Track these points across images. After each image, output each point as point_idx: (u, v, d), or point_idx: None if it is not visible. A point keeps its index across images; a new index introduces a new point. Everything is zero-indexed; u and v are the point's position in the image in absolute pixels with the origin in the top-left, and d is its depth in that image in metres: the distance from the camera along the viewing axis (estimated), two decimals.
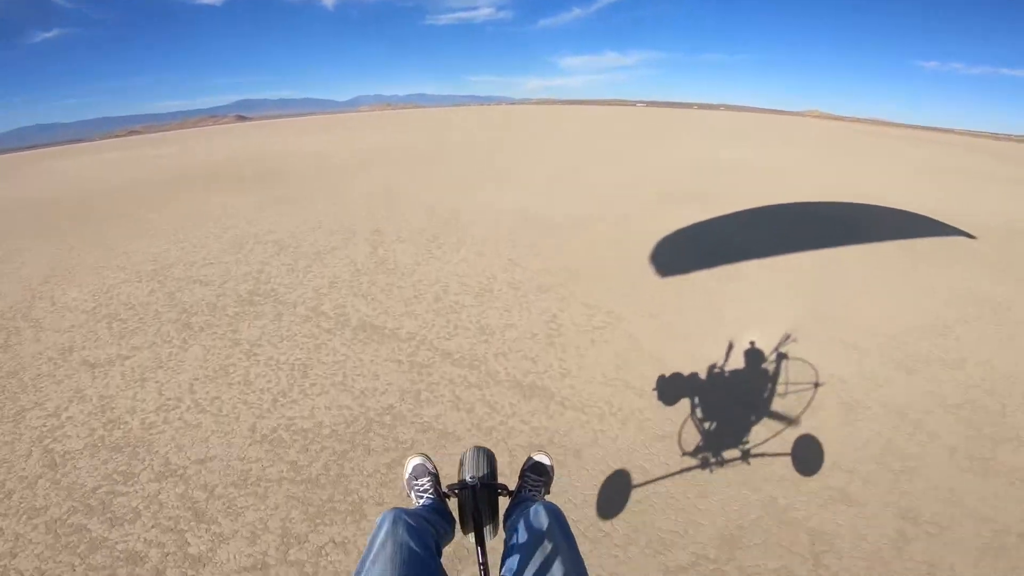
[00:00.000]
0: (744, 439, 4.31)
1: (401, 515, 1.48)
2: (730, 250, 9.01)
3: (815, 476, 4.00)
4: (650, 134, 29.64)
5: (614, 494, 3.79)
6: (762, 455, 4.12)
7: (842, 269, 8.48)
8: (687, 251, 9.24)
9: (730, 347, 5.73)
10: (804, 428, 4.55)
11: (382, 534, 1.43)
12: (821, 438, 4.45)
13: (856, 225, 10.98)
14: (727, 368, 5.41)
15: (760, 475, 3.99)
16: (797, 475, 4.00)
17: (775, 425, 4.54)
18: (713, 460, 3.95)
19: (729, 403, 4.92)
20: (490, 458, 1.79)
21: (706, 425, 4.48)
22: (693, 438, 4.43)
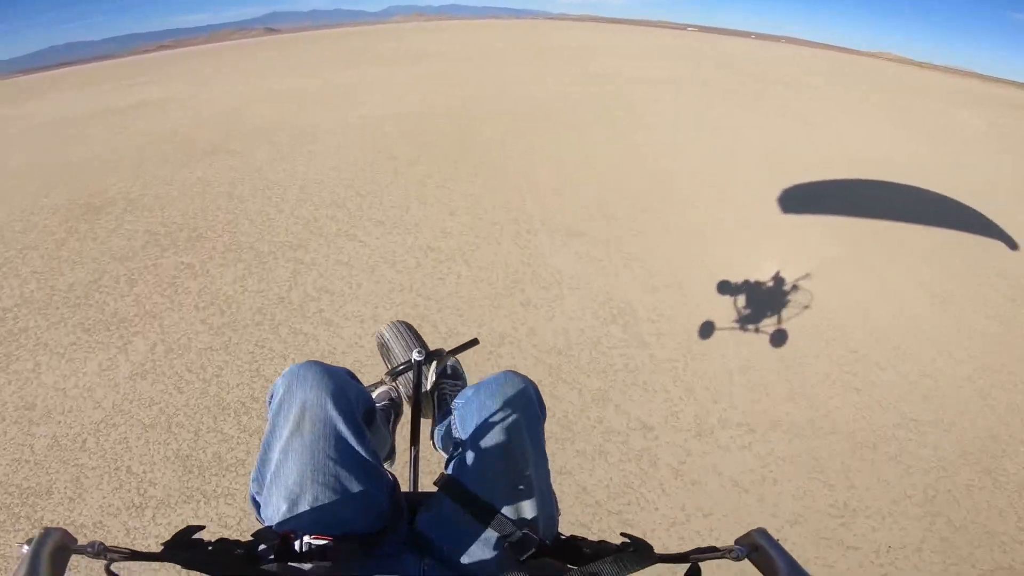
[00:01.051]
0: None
1: (312, 367, 1.08)
2: None
3: None
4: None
5: None
6: None
7: None
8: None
9: None
10: None
11: (284, 394, 1.07)
12: None
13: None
14: None
15: None
16: None
17: None
18: None
19: None
20: (413, 330, 1.67)
21: None
22: None
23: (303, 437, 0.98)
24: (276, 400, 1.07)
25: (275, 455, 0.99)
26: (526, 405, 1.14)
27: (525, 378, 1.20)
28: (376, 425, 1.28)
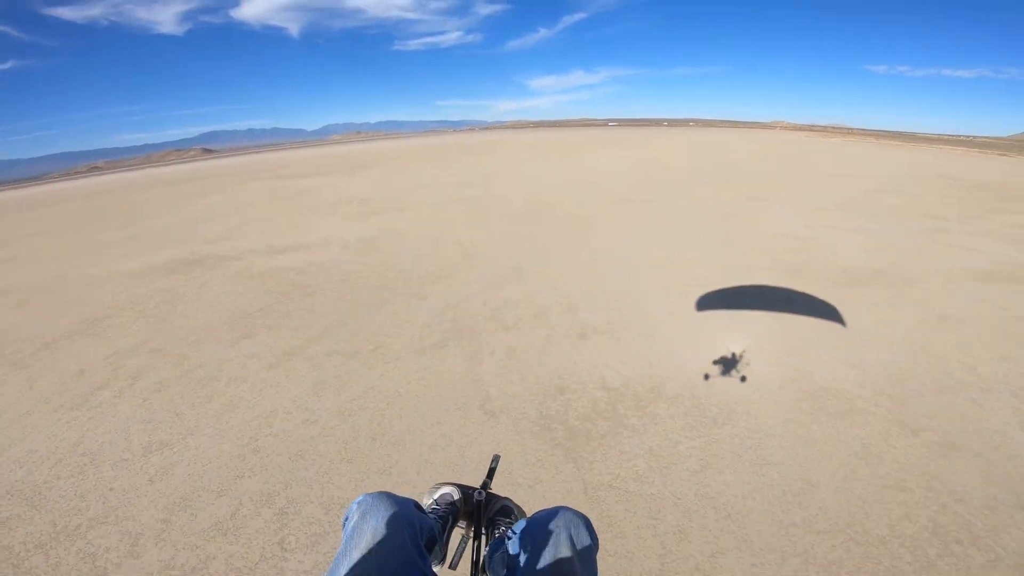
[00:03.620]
0: None
1: (383, 499, 1.26)
2: None
3: None
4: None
5: None
6: None
7: None
8: None
9: None
10: None
11: (358, 520, 1.24)
12: None
13: None
14: None
15: None
16: None
17: None
18: None
19: None
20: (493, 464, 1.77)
21: None
22: None
23: (370, 561, 1.12)
24: (350, 524, 1.23)
25: (342, 571, 1.12)
26: (580, 538, 1.25)
27: (579, 512, 1.33)
28: (436, 549, 1.45)
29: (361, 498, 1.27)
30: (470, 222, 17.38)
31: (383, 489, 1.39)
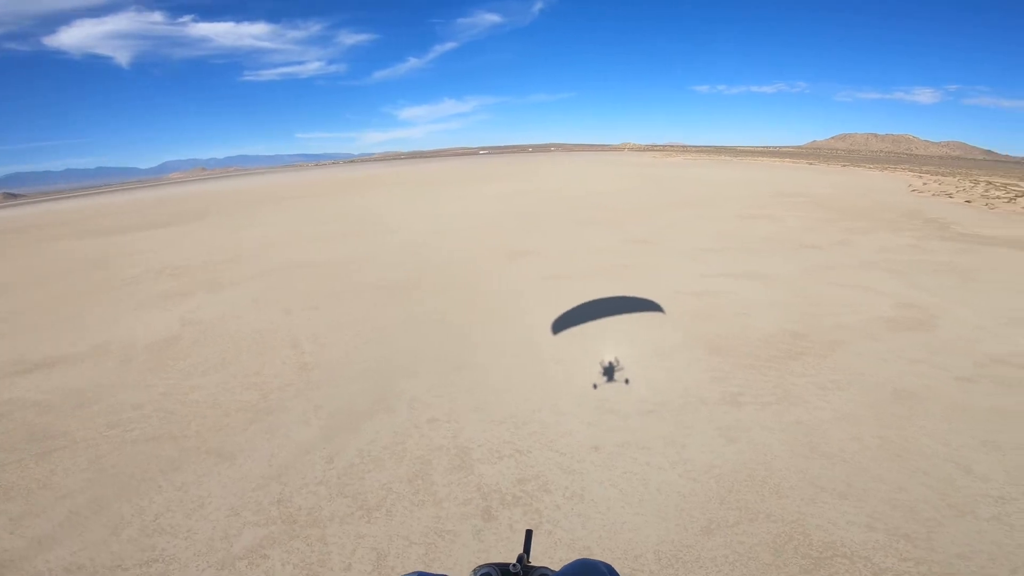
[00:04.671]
0: None
1: None
2: None
3: None
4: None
5: None
6: None
7: None
8: None
9: None
10: None
11: None
12: None
13: None
14: None
15: None
16: None
17: None
18: None
19: None
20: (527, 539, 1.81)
21: None
22: None
23: None
24: None
25: None
26: None
27: (599, 563, 1.35)
28: None
29: None
30: (315, 303, 13.15)
31: None
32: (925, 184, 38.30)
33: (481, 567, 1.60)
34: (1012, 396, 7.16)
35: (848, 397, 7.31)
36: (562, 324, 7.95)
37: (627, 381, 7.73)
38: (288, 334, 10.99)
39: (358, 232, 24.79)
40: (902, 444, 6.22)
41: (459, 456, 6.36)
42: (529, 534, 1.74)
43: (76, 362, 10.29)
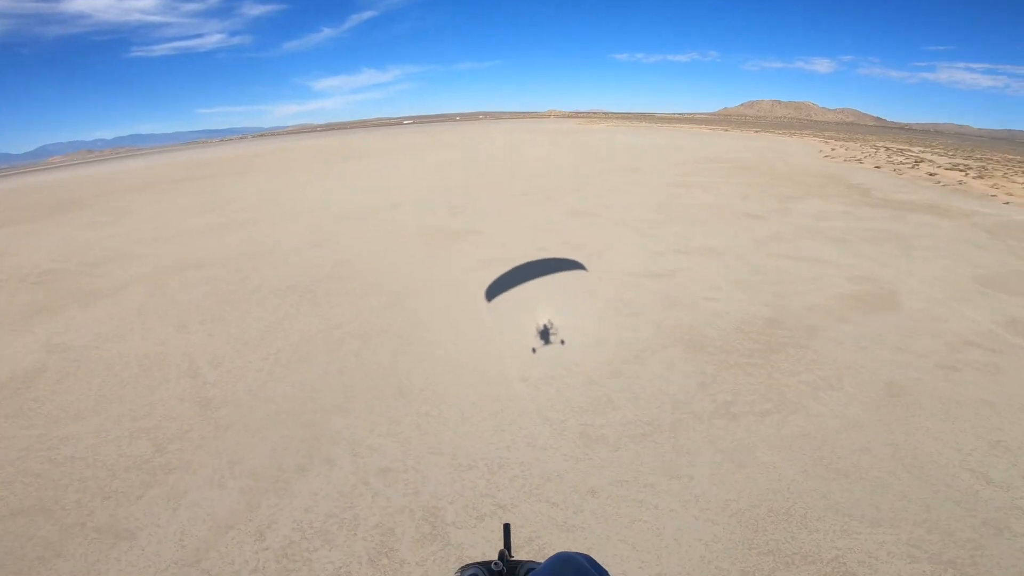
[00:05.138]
0: None
1: None
2: None
3: None
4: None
5: None
6: None
7: None
8: None
9: None
10: None
11: None
12: None
13: None
14: None
15: None
16: None
17: None
18: None
19: None
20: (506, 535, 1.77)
21: None
22: None
23: None
24: None
25: None
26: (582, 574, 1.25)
27: (578, 555, 1.30)
28: None
29: None
30: (213, 314, 10.57)
31: None
32: (834, 150, 40.83)
33: (466, 567, 1.52)
34: (996, 386, 6.90)
35: (844, 398, 6.67)
36: (495, 291, 6.89)
37: (562, 342, 8.11)
38: (183, 359, 8.63)
39: (259, 219, 20.94)
40: (913, 452, 5.64)
41: (428, 520, 4.88)
42: (507, 528, 1.69)
43: None
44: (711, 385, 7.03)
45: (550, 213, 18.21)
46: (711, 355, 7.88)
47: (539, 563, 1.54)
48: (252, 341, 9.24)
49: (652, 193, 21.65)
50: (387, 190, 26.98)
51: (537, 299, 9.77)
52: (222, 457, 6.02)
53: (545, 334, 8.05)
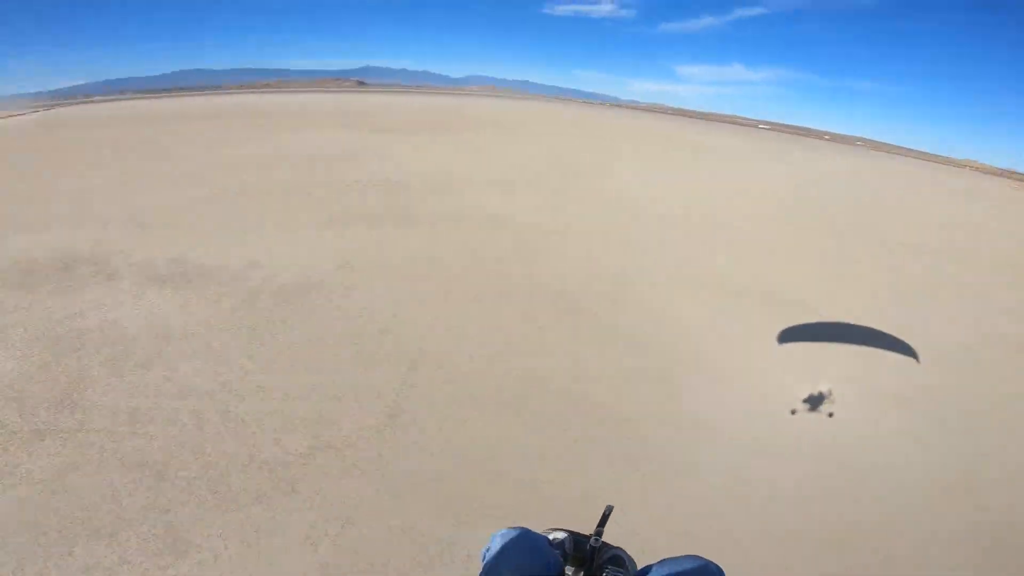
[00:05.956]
0: None
1: (524, 536, 1.37)
2: None
3: None
4: None
5: None
6: None
7: None
8: None
9: None
10: None
11: (498, 552, 1.35)
12: None
13: None
14: None
15: None
16: None
17: None
18: None
19: None
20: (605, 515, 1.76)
21: None
22: None
23: None
24: (491, 554, 1.33)
25: None
26: None
27: (710, 563, 1.34)
28: None
29: (502, 532, 1.39)
30: None
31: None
32: None
33: (556, 529, 1.62)
34: None
35: None
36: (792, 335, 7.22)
37: (830, 415, 7.00)
38: None
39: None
40: None
41: None
42: (610, 510, 1.66)
43: None
44: None
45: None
46: None
47: (625, 552, 1.61)
48: None
49: None
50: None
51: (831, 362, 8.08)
52: None
53: (816, 400, 7.17)
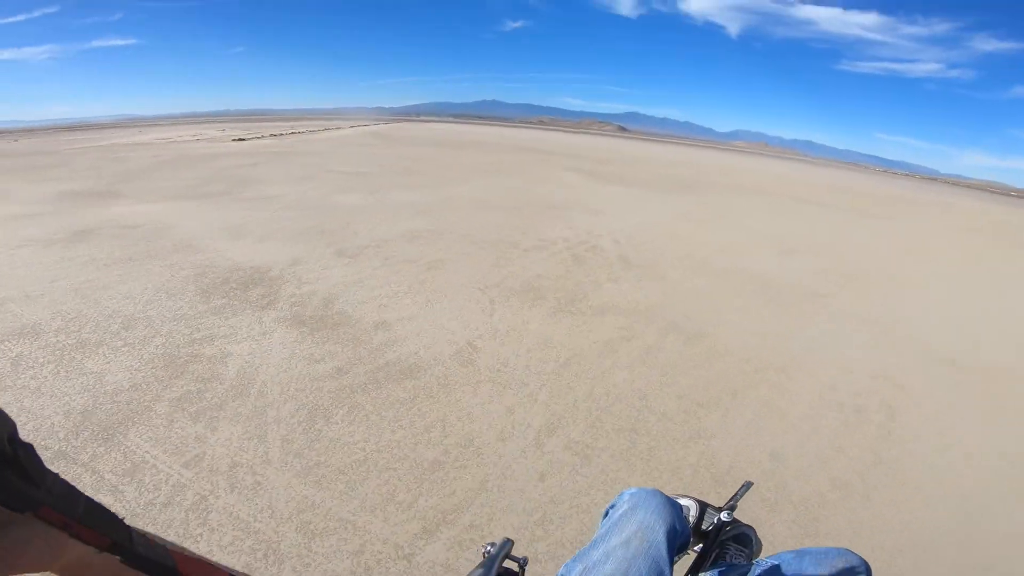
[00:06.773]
0: None
1: (655, 496, 1.26)
2: None
3: None
4: None
5: None
6: None
7: None
8: None
9: None
10: None
11: (627, 510, 1.26)
12: None
13: None
14: None
15: None
16: None
17: None
18: None
19: None
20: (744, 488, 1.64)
21: None
22: None
23: (628, 550, 1.13)
24: (619, 511, 1.25)
25: (597, 554, 1.14)
26: None
27: (861, 559, 1.23)
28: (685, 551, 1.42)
29: (633, 491, 1.31)
30: None
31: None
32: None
33: (684, 496, 1.51)
34: None
35: None
36: None
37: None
38: None
39: None
40: None
41: None
42: (747, 485, 1.54)
43: None
44: None
45: None
46: None
47: (754, 532, 1.46)
48: None
49: None
50: None
51: None
52: None
53: None
